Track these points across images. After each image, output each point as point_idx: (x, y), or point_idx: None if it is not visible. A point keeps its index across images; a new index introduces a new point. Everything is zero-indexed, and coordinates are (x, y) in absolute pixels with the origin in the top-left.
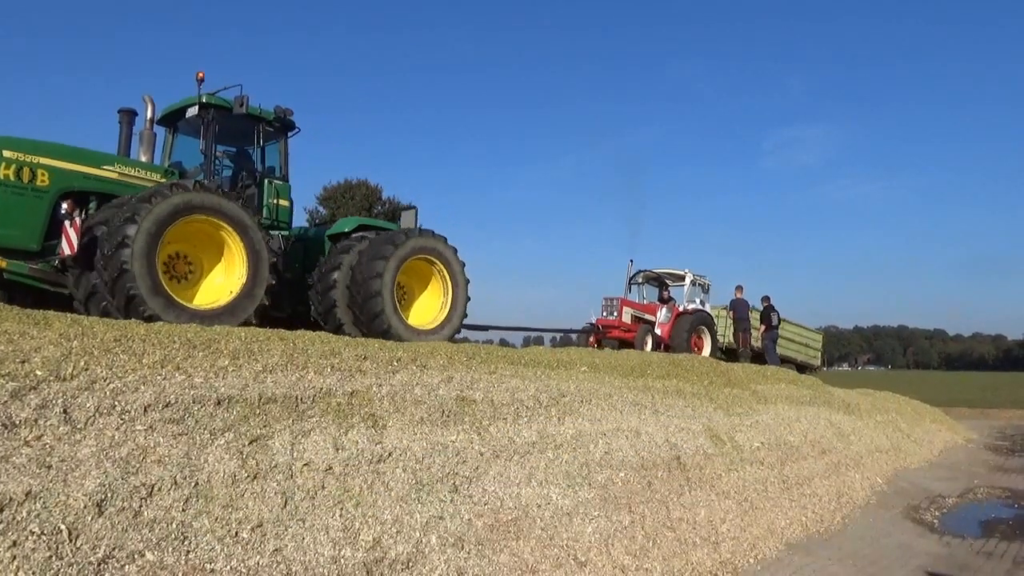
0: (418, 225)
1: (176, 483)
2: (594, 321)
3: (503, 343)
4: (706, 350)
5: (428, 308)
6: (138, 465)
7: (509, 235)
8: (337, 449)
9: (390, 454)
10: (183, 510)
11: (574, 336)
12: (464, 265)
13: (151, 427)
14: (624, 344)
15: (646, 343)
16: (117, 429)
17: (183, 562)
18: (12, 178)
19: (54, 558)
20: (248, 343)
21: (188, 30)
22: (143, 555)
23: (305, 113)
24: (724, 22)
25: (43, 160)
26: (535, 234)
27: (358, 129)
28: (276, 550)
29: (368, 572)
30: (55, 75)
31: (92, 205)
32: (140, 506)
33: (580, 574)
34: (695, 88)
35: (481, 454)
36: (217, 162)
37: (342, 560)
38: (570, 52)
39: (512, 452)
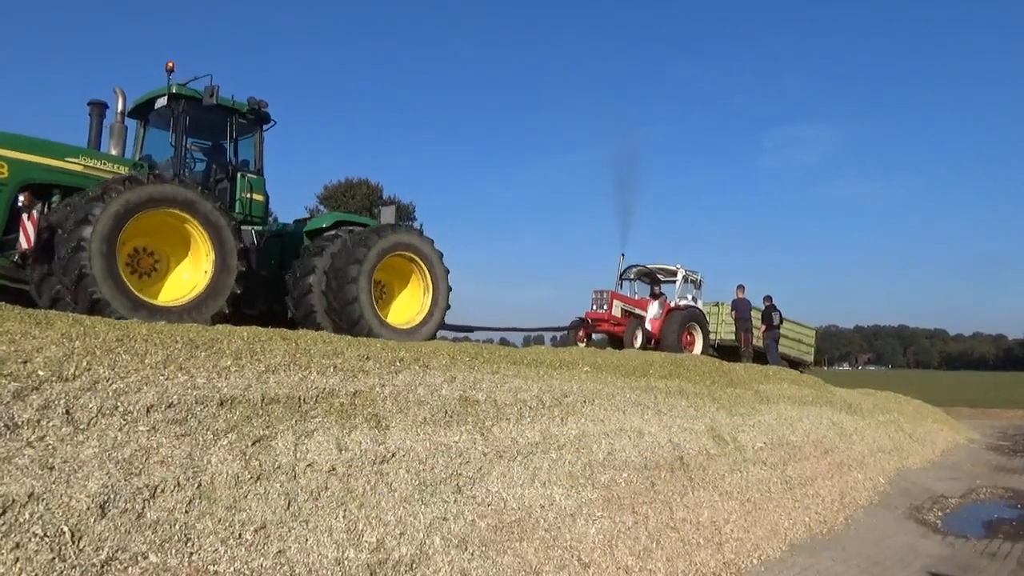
0: (397, 221)
1: (179, 484)
2: (583, 315)
3: (504, 343)
4: (698, 347)
5: (408, 306)
6: (141, 466)
7: (510, 235)
8: (340, 450)
9: (393, 455)
10: (186, 511)
11: (557, 335)
12: (442, 256)
13: (154, 428)
14: (614, 339)
15: (636, 338)
16: (120, 430)
17: (186, 564)
18: None
19: (57, 560)
20: (251, 343)
21: (188, 28)
22: (146, 557)
23: (307, 113)
24: (723, 22)
25: (2, 152)
26: (537, 233)
27: (360, 129)
28: (279, 551)
29: (372, 573)
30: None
31: (56, 198)
32: (143, 507)
33: (584, 575)
34: (695, 88)
35: (484, 455)
36: (188, 155)
37: (346, 562)
38: (571, 52)
39: (515, 453)
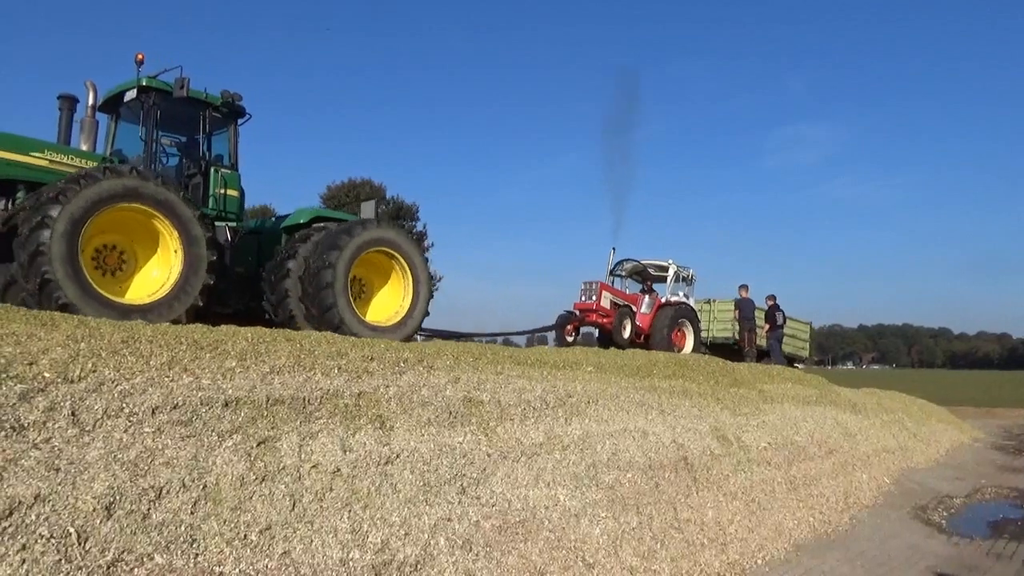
0: (378, 216)
1: (184, 485)
2: (571, 308)
3: (507, 343)
4: (688, 345)
5: (388, 304)
6: (146, 467)
7: (513, 235)
8: (345, 451)
9: (398, 456)
10: (191, 512)
11: (548, 336)
12: (424, 252)
13: (159, 429)
14: (603, 334)
15: (624, 328)
16: (125, 431)
17: (192, 565)
18: None
19: (63, 561)
20: (255, 344)
21: (188, 28)
22: (152, 558)
23: (311, 113)
24: (726, 21)
25: None
26: (540, 233)
27: (364, 130)
28: (285, 552)
29: (376, 574)
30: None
31: (21, 194)
32: (148, 509)
33: (588, 575)
34: (697, 87)
35: (488, 455)
36: (160, 150)
37: (350, 562)
38: (573, 52)
39: (519, 453)
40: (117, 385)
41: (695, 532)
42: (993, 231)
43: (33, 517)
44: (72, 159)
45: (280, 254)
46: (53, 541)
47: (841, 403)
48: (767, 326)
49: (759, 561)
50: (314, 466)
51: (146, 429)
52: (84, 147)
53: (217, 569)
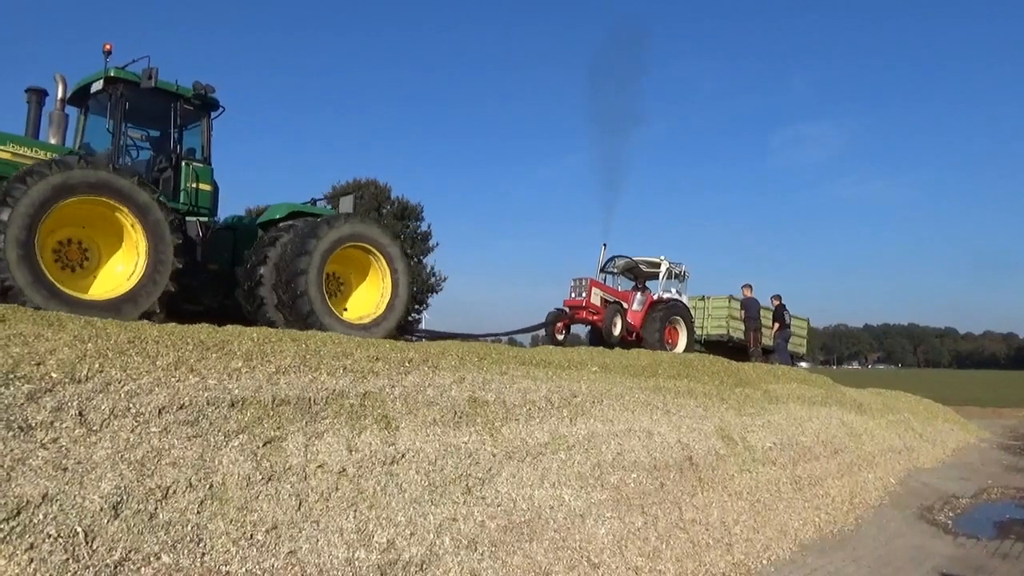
0: (356, 211)
1: (191, 485)
2: (560, 306)
3: (512, 343)
4: (681, 343)
5: (367, 300)
6: (153, 467)
7: (518, 235)
8: (350, 451)
9: (403, 456)
10: (198, 512)
11: (541, 334)
12: (404, 252)
13: (166, 429)
14: (594, 330)
15: (615, 325)
16: (132, 431)
17: (198, 564)
18: None
19: (71, 560)
20: (261, 344)
21: (195, 27)
22: (159, 557)
23: (316, 113)
24: (729, 20)
25: None
26: (546, 233)
27: (368, 129)
28: (291, 552)
29: (382, 574)
30: None
31: None
32: (155, 508)
33: (593, 575)
34: (701, 86)
35: (494, 455)
36: (128, 142)
37: (356, 562)
38: (574, 52)
39: (525, 453)
40: (124, 385)
41: (700, 532)
42: (999, 230)
43: (41, 516)
44: (37, 152)
45: (254, 251)
46: (61, 540)
47: (847, 403)
48: (775, 325)
49: (764, 561)
50: (320, 466)
51: (153, 429)
52: (53, 140)
53: (224, 568)
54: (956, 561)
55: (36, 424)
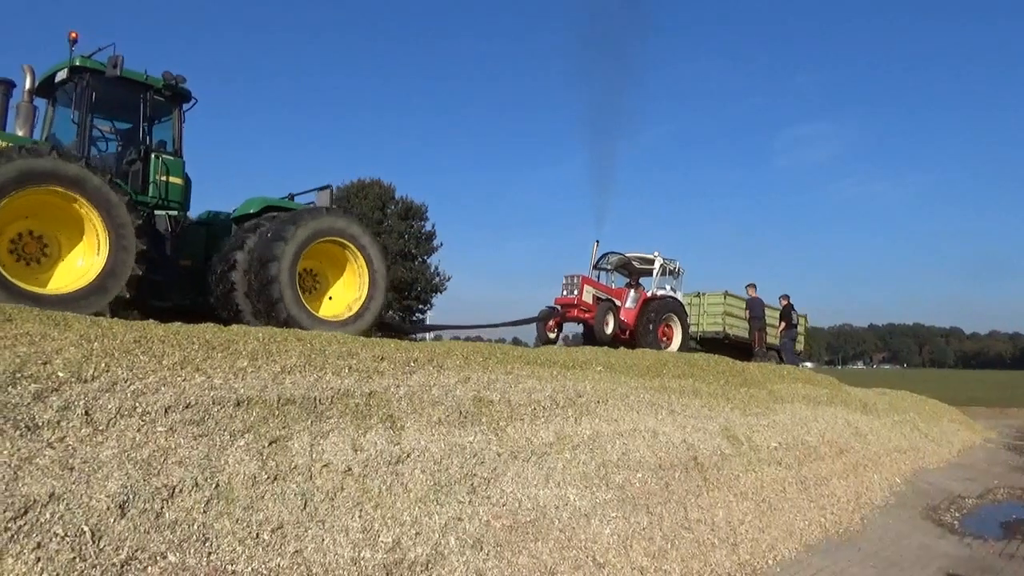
0: (332, 205)
1: (197, 484)
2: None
3: (517, 343)
4: (676, 341)
5: (344, 296)
6: (159, 466)
7: (523, 235)
8: (356, 450)
9: (408, 455)
10: (204, 511)
11: (535, 328)
12: (381, 242)
13: (172, 428)
14: (587, 328)
15: (607, 323)
16: (138, 430)
17: (205, 563)
18: None
19: (77, 559)
20: (266, 344)
21: (201, 28)
22: (165, 556)
23: (322, 113)
24: (734, 21)
25: None
26: (548, 233)
27: (373, 130)
28: (296, 551)
29: (388, 573)
30: None
31: None
32: (162, 507)
33: (599, 575)
34: (705, 87)
35: (499, 455)
36: (96, 133)
37: (362, 561)
38: (578, 52)
39: (530, 453)
40: (130, 384)
41: (705, 532)
42: (1005, 230)
43: (48, 516)
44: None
45: (226, 248)
46: (68, 539)
47: (852, 403)
48: (782, 325)
49: (770, 561)
50: (325, 465)
51: (159, 428)
52: (20, 133)
53: (230, 567)
54: (962, 561)
55: (43, 423)
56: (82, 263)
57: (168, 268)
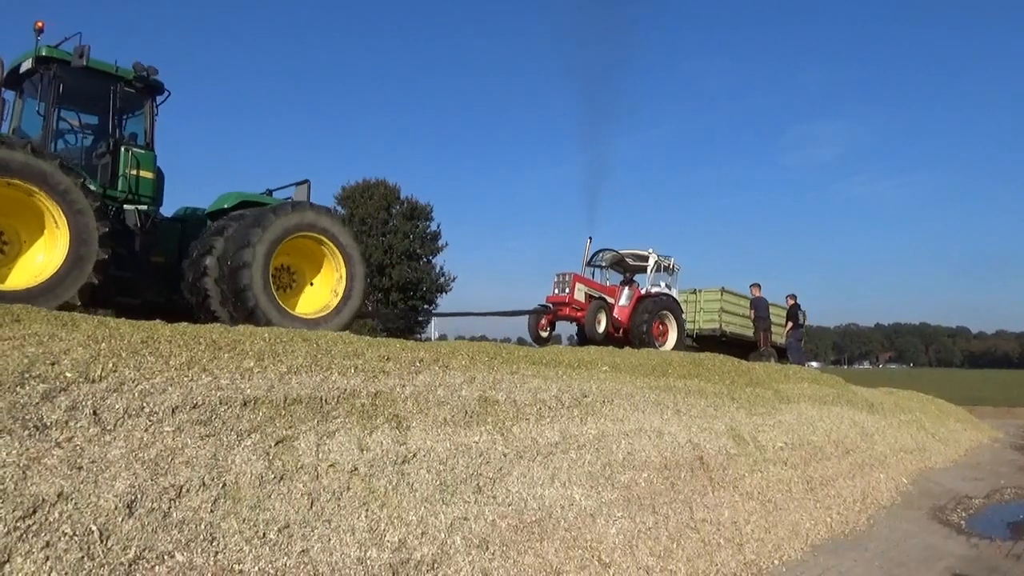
0: (309, 200)
1: (204, 484)
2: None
3: (522, 342)
4: (671, 339)
5: (321, 293)
6: (167, 466)
7: (527, 234)
8: (362, 450)
9: (414, 455)
10: (211, 511)
11: (528, 320)
12: (357, 237)
13: (179, 428)
14: (579, 327)
15: (599, 322)
16: (146, 430)
17: (212, 563)
18: None
19: (86, 559)
20: (272, 344)
21: (202, 31)
22: (172, 556)
23: (326, 114)
24: (739, 19)
25: None
26: (552, 233)
27: (379, 131)
28: (303, 551)
29: (394, 573)
30: None
31: None
32: (169, 507)
33: (604, 575)
34: (709, 86)
35: (504, 455)
36: (66, 127)
37: (368, 561)
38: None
39: (535, 453)
40: (137, 385)
41: (711, 532)
42: (1012, 229)
43: (56, 515)
44: None
45: (200, 241)
46: (76, 539)
47: (858, 403)
48: (789, 324)
49: (776, 561)
50: (331, 465)
51: (166, 428)
52: None
53: (237, 567)
54: (969, 562)
55: (51, 423)
56: (43, 257)
57: (138, 264)
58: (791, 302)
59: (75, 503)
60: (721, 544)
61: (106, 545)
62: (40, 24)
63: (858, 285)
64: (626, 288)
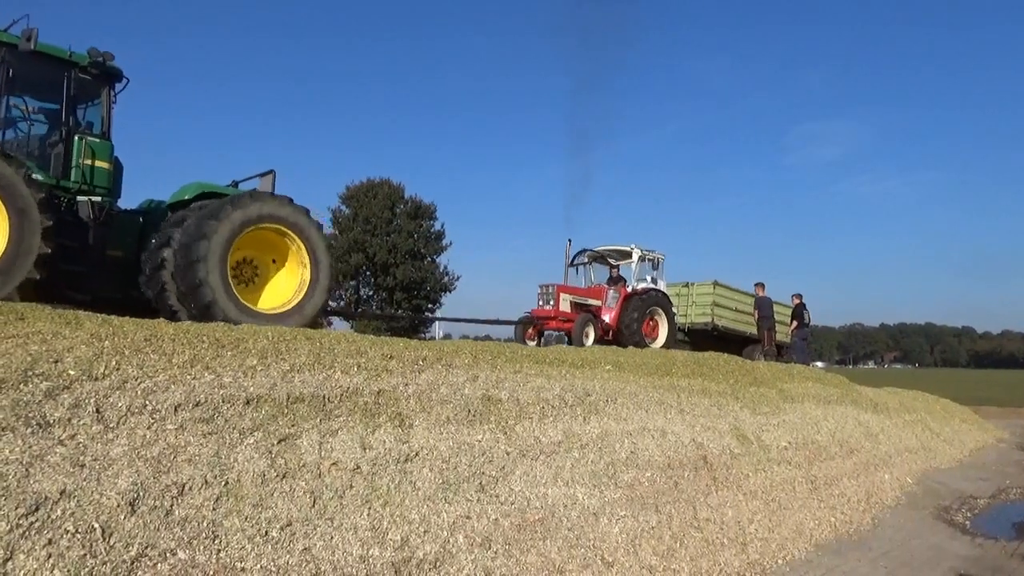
0: (273, 190)
1: (206, 482)
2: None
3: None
4: (662, 335)
5: (285, 287)
6: (169, 464)
7: (529, 234)
8: (364, 448)
9: (417, 453)
10: (214, 509)
11: (514, 329)
12: (323, 232)
13: (181, 426)
14: (570, 339)
15: (587, 336)
16: (148, 428)
17: (214, 561)
18: None
19: (88, 556)
20: (275, 343)
21: (207, 31)
22: (175, 553)
23: (328, 114)
24: (743, 17)
25: None
26: (556, 232)
27: (381, 130)
28: (305, 549)
29: (396, 572)
30: None
31: None
32: (171, 505)
33: (607, 574)
34: (714, 85)
35: (507, 453)
36: (18, 114)
37: (370, 559)
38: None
39: (538, 452)
40: (140, 383)
41: (715, 531)
42: (1017, 229)
43: (59, 512)
44: None
45: (159, 232)
46: (78, 536)
47: (863, 402)
48: (795, 324)
49: (780, 561)
50: (334, 463)
51: (169, 426)
52: None
53: (239, 565)
54: (974, 562)
55: (54, 421)
56: None
57: (92, 258)
58: (796, 301)
59: (78, 500)
60: (725, 544)
61: (108, 543)
62: None
63: (863, 285)
64: (611, 289)
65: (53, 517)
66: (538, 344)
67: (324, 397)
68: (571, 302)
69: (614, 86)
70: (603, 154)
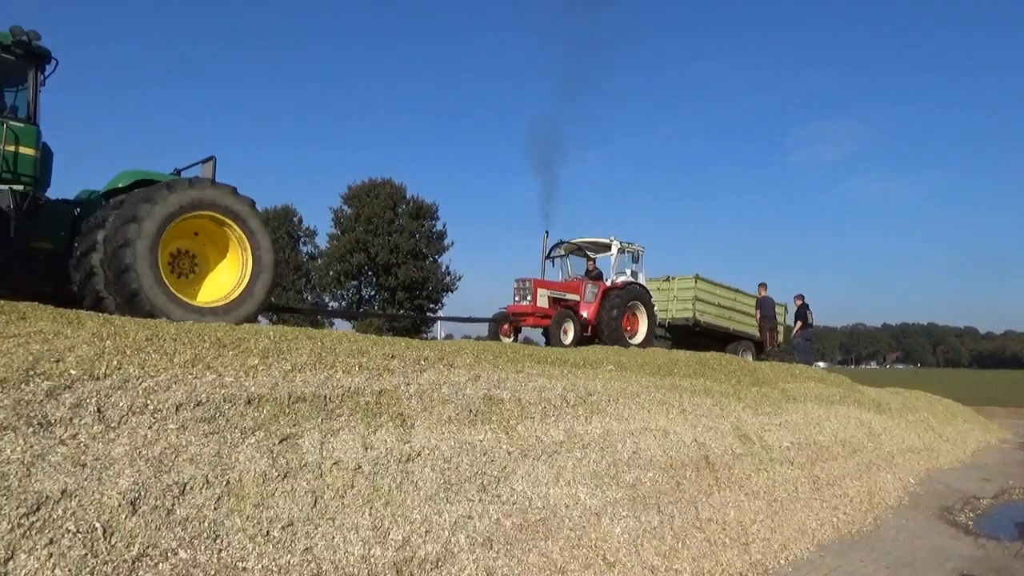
0: (214, 178)
1: (208, 482)
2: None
3: (528, 341)
4: (642, 331)
5: (224, 280)
6: (170, 464)
7: (530, 233)
8: (366, 448)
9: (418, 453)
10: (215, 508)
11: (487, 327)
12: (265, 223)
13: (183, 426)
14: (547, 332)
15: (565, 334)
16: (150, 428)
17: (215, 560)
18: None
19: (89, 556)
20: (277, 342)
21: (210, 32)
22: (176, 553)
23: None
24: (747, 17)
25: None
26: (556, 232)
27: (383, 129)
28: (307, 549)
29: (398, 571)
30: None
31: None
32: (173, 504)
33: (609, 574)
34: (716, 85)
35: (509, 453)
36: None
37: (372, 559)
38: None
39: (540, 451)
40: (142, 382)
41: (717, 531)
42: (1020, 229)
43: (60, 512)
44: None
45: (90, 219)
46: (79, 536)
47: (865, 403)
48: (798, 324)
49: (782, 561)
50: (335, 463)
51: (170, 426)
52: None
53: (240, 564)
54: (976, 562)
55: (55, 421)
56: None
57: (13, 251)
58: (799, 302)
59: (79, 500)
60: (727, 544)
61: (110, 542)
62: None
63: (865, 285)
64: (589, 284)
65: (54, 517)
66: (515, 341)
67: (326, 397)
68: (548, 297)
69: (614, 86)
70: (602, 154)
